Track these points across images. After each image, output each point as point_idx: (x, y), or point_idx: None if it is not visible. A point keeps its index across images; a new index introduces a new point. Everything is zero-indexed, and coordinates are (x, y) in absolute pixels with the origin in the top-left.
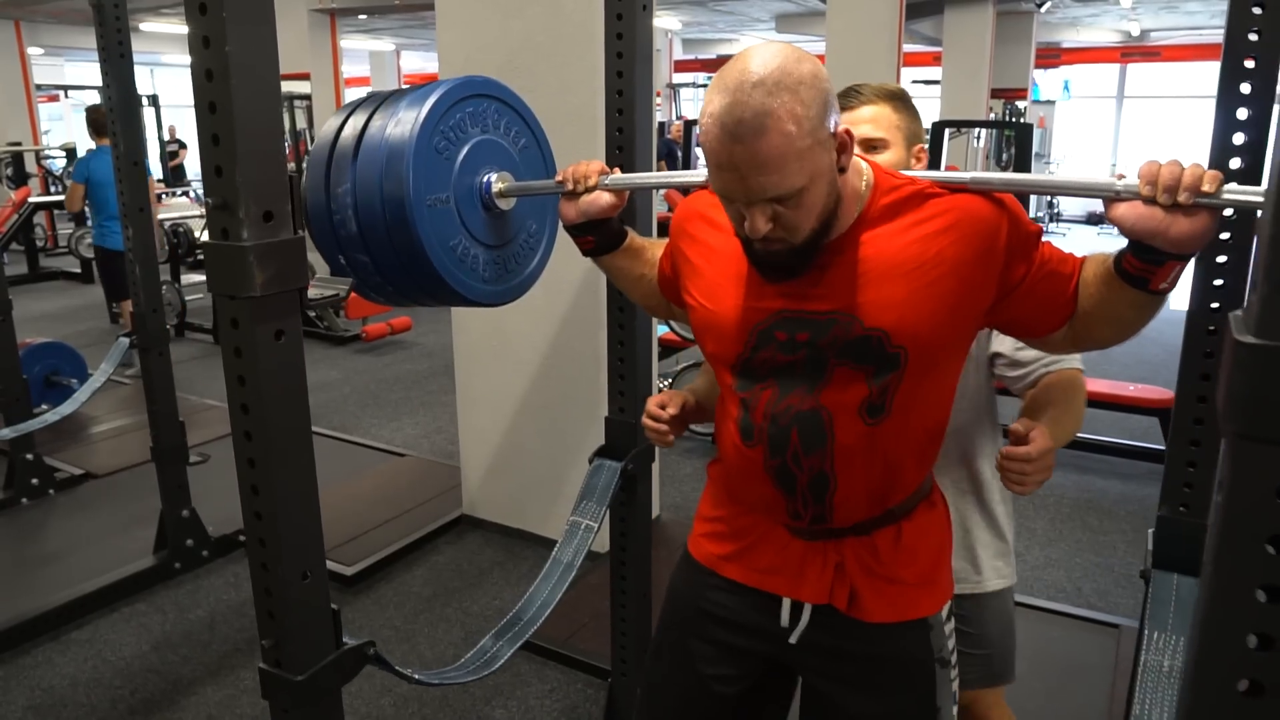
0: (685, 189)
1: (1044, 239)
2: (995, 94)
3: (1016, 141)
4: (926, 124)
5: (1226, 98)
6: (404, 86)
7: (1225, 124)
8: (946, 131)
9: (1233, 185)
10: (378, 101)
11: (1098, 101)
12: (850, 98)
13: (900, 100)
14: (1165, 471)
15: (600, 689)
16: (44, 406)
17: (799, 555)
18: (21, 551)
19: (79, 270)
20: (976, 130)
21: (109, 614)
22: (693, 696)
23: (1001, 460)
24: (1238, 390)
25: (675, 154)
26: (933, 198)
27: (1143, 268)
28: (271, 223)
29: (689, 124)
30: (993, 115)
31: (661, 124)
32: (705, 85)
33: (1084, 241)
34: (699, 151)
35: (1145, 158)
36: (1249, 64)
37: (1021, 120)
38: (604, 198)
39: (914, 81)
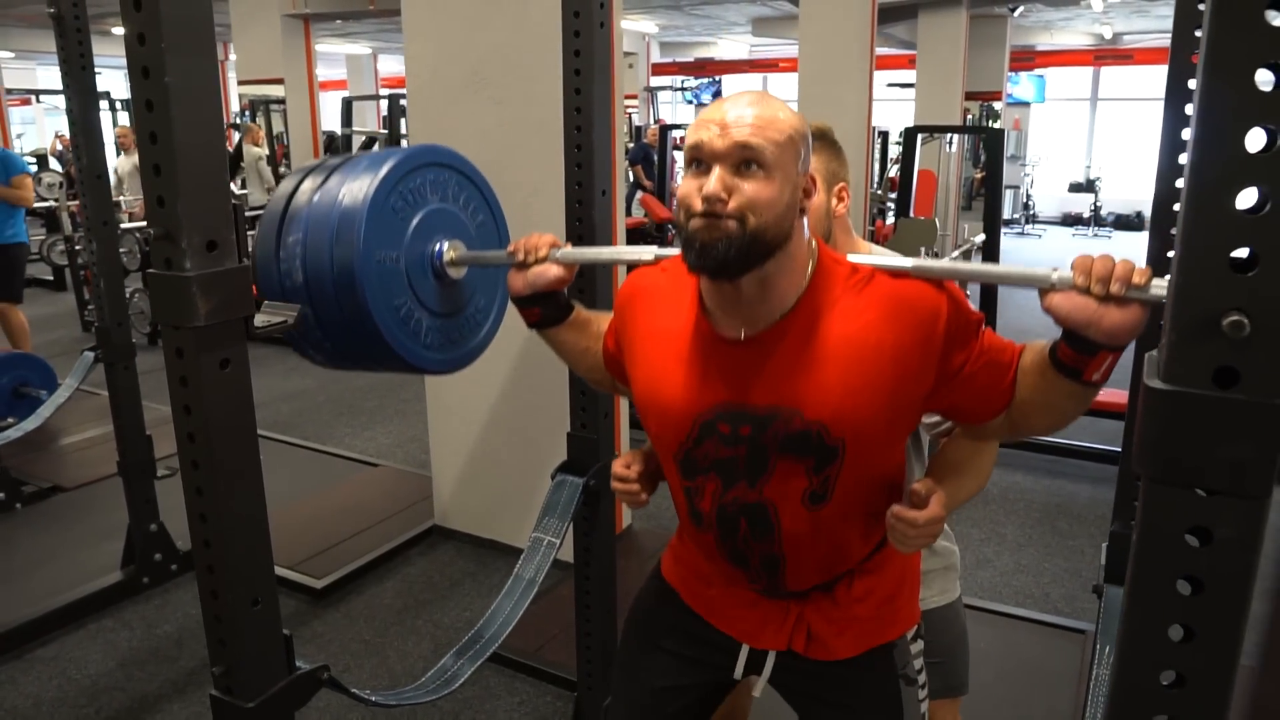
0: (633, 266)
1: (984, 327)
2: (970, 96)
3: (988, 148)
4: (901, 127)
5: (1175, 97)
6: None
7: (1174, 121)
8: (920, 137)
9: (1159, 281)
10: (340, 162)
11: (1072, 104)
12: None
13: (819, 140)
14: (1118, 488)
15: (568, 701)
16: (10, 420)
17: (761, 610)
18: None
19: (50, 278)
20: (950, 135)
21: (75, 631)
22: (645, 708)
23: (891, 518)
24: (1148, 434)
25: (651, 158)
26: (876, 283)
27: (1076, 358)
28: (215, 252)
29: (665, 129)
30: (969, 117)
31: (638, 128)
32: (682, 89)
33: (1059, 243)
34: (678, 155)
35: (1119, 159)
36: (1195, 62)
37: (994, 125)
38: (552, 270)
39: (889, 85)
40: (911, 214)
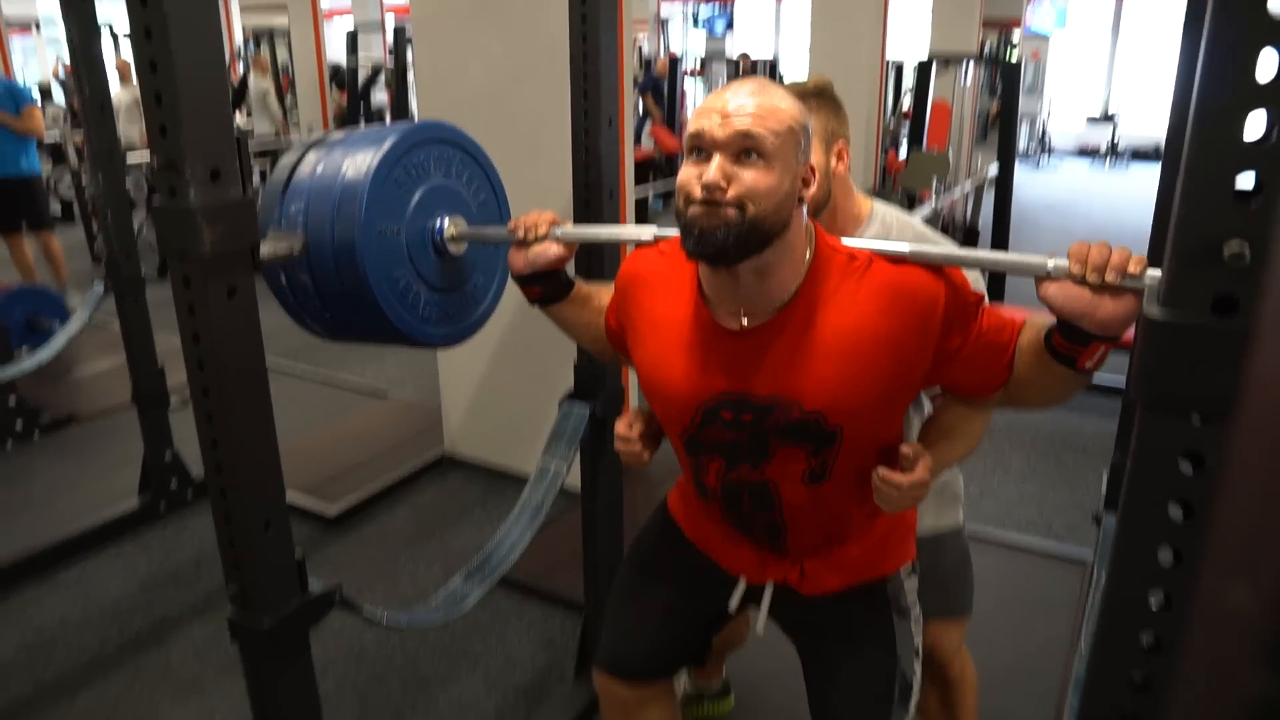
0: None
1: (984, 305)
2: (988, 24)
3: (1004, 80)
4: (915, 60)
5: (1193, 25)
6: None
7: (1191, 49)
8: (934, 67)
9: (1155, 271)
10: (344, 136)
11: (1093, 34)
12: None
13: (816, 98)
14: (1120, 420)
15: (576, 623)
16: (25, 350)
17: (761, 554)
18: (8, 495)
19: (59, 211)
20: (965, 66)
21: (96, 555)
22: (641, 632)
23: (877, 479)
24: (1146, 362)
25: (661, 89)
26: (874, 270)
27: (1070, 347)
28: (219, 182)
29: (675, 60)
30: (986, 46)
31: (648, 60)
32: (692, 15)
33: (1075, 176)
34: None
35: (1139, 92)
36: None
37: (1011, 56)
38: (552, 249)
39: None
40: (925, 146)
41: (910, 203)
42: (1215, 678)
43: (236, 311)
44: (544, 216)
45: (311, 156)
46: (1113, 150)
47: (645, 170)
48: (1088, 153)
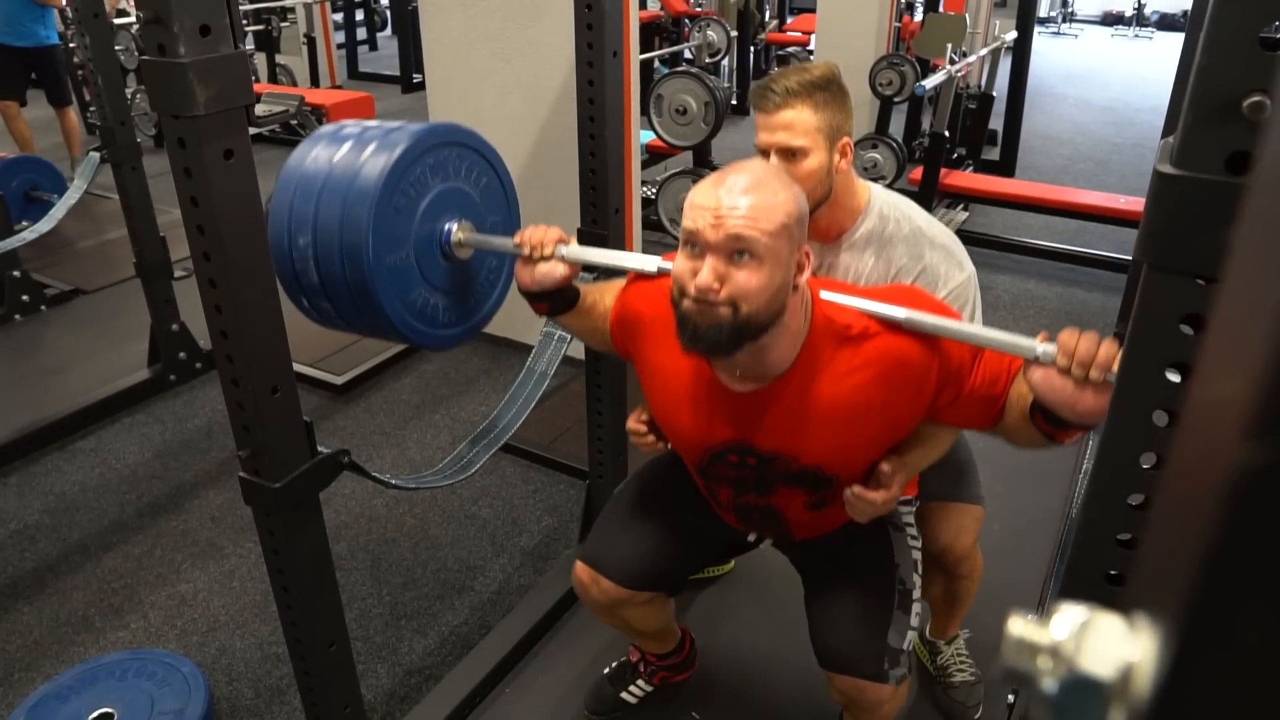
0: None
1: (981, 357)
2: None
3: None
4: None
5: None
6: (368, 124)
7: None
8: None
9: None
10: (337, 145)
11: None
12: (765, 99)
13: (823, 91)
14: (1125, 289)
15: (580, 489)
16: (24, 223)
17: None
18: (20, 366)
19: None
20: None
21: (111, 424)
22: (663, 523)
23: (851, 495)
24: (1153, 219)
25: None
26: (869, 340)
27: (1049, 429)
28: (209, 37)
29: None
30: None
31: None
32: None
33: (1097, 42)
34: None
35: None
36: None
37: None
38: (559, 269)
39: None
40: (941, 9)
41: (922, 70)
42: (1202, 460)
43: (234, 173)
44: (550, 235)
45: (311, 169)
46: (1139, 17)
47: (651, 33)
48: (1112, 19)
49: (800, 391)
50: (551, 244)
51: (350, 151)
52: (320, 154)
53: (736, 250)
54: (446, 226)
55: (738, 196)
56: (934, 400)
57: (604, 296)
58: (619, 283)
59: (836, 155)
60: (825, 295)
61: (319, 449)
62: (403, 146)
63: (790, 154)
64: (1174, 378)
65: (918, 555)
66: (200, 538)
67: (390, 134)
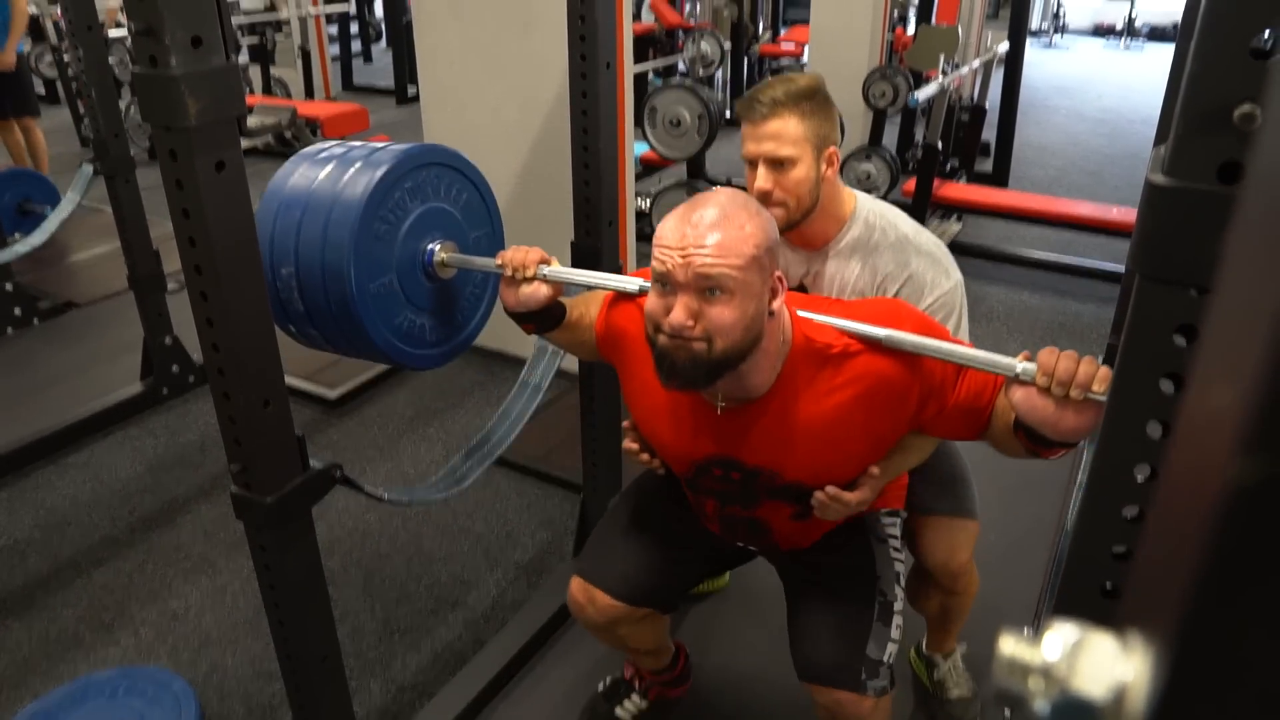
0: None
1: (964, 372)
2: None
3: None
4: None
5: None
6: (349, 146)
7: None
8: None
9: None
10: (316, 170)
11: None
12: (751, 109)
13: (809, 100)
14: (1119, 300)
15: (575, 503)
16: (16, 236)
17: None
18: (12, 380)
19: (42, 91)
20: None
21: (103, 438)
22: (655, 538)
23: (824, 496)
24: (1145, 230)
25: None
26: (849, 359)
27: (1032, 446)
28: (201, 49)
29: None
30: None
31: None
32: None
33: (1089, 54)
34: None
35: None
36: None
37: None
38: (542, 290)
39: None
40: (934, 20)
41: (915, 81)
42: (1196, 475)
43: (226, 185)
44: (532, 256)
45: (288, 210)
46: (1129, 29)
47: (645, 45)
48: (1103, 31)
49: (781, 411)
50: (533, 265)
51: (328, 179)
52: (299, 181)
53: (707, 288)
54: (429, 247)
55: (705, 233)
56: (917, 415)
57: (589, 308)
58: (603, 293)
59: (823, 164)
60: (804, 314)
61: (311, 463)
62: (379, 173)
63: (778, 163)
64: (1168, 388)
65: (900, 568)
66: (192, 553)
67: (366, 160)
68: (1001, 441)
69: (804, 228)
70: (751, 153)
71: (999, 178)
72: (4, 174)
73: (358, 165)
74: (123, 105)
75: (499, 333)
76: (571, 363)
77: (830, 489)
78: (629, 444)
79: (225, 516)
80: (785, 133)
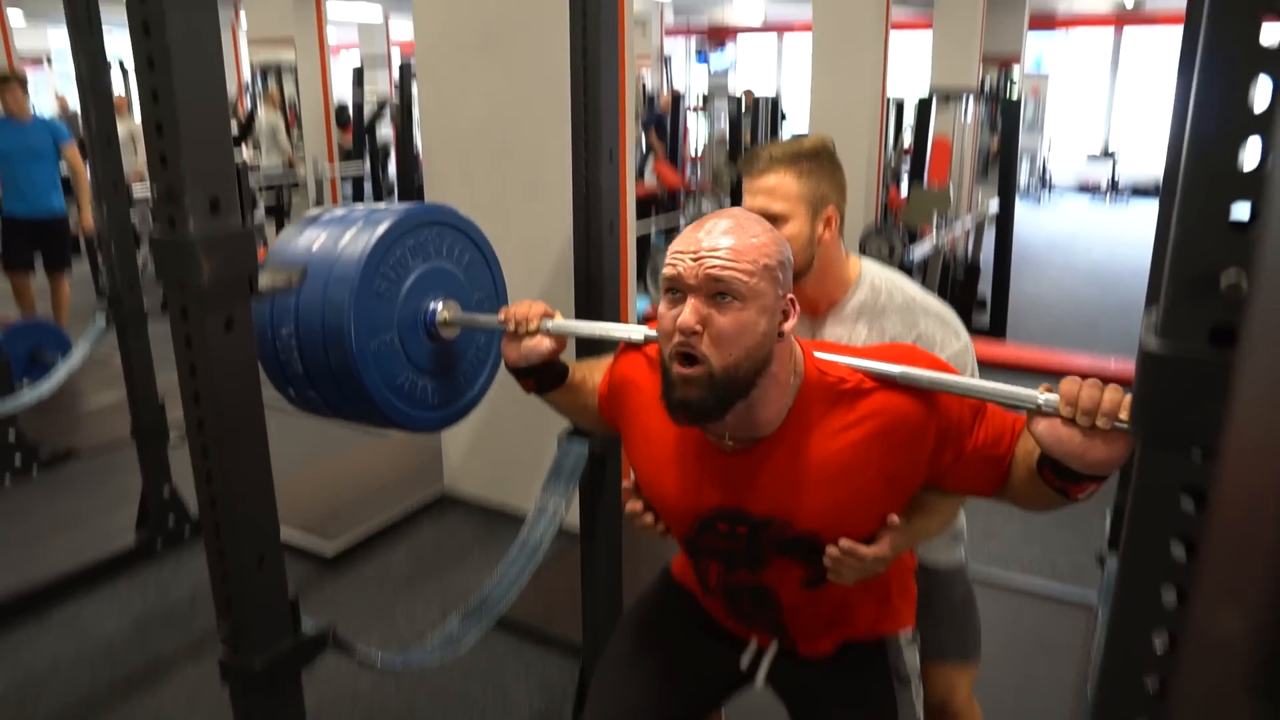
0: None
1: (983, 414)
2: (988, 61)
3: (1004, 116)
4: (916, 97)
5: (1188, 59)
6: (352, 209)
7: (1187, 82)
8: (935, 103)
9: None
10: (318, 232)
11: (1092, 72)
12: (751, 164)
13: (810, 160)
14: None
15: (575, 668)
16: (25, 381)
17: (765, 636)
18: (5, 531)
19: None
20: (966, 102)
21: (92, 593)
22: (643, 693)
23: (838, 551)
24: (1144, 396)
25: (664, 125)
26: (864, 396)
27: (1059, 483)
28: (218, 212)
29: (677, 96)
30: (986, 82)
31: (650, 97)
32: (697, 52)
33: (1075, 212)
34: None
35: (1139, 129)
36: None
37: (1012, 92)
38: (545, 344)
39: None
40: (926, 183)
41: (911, 238)
42: (1208, 707)
43: (234, 344)
44: (534, 310)
45: (283, 274)
46: (1113, 187)
47: (648, 206)
48: (1088, 189)
49: (792, 450)
50: (536, 318)
51: (330, 238)
52: (301, 242)
53: (718, 292)
54: (431, 307)
55: (718, 238)
56: (934, 459)
57: (593, 373)
58: (608, 359)
59: (820, 225)
60: (818, 355)
61: (304, 626)
62: (381, 229)
63: (769, 219)
64: (1179, 553)
65: (920, 710)
66: (174, 717)
67: (367, 219)
68: (1024, 491)
69: (805, 290)
70: (745, 206)
71: (997, 330)
72: (19, 325)
73: (359, 225)
74: (140, 258)
75: (501, 486)
76: (572, 519)
77: (844, 542)
78: (632, 505)
79: (211, 677)
80: (779, 189)
